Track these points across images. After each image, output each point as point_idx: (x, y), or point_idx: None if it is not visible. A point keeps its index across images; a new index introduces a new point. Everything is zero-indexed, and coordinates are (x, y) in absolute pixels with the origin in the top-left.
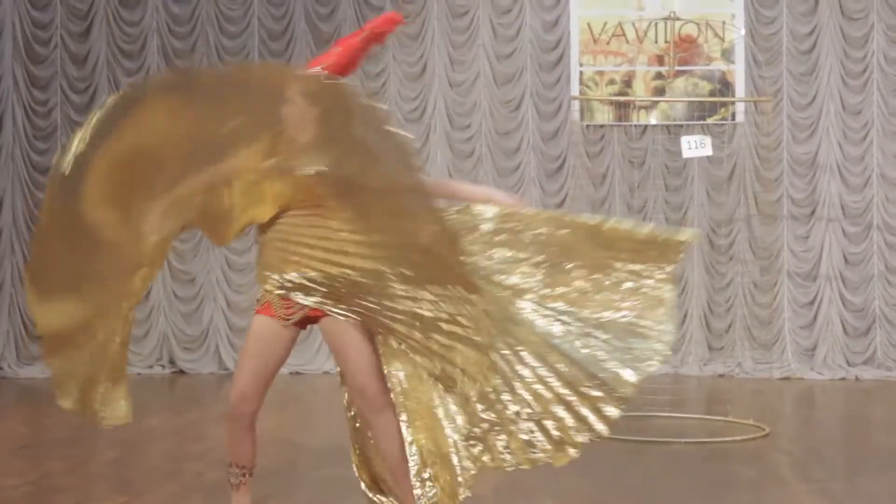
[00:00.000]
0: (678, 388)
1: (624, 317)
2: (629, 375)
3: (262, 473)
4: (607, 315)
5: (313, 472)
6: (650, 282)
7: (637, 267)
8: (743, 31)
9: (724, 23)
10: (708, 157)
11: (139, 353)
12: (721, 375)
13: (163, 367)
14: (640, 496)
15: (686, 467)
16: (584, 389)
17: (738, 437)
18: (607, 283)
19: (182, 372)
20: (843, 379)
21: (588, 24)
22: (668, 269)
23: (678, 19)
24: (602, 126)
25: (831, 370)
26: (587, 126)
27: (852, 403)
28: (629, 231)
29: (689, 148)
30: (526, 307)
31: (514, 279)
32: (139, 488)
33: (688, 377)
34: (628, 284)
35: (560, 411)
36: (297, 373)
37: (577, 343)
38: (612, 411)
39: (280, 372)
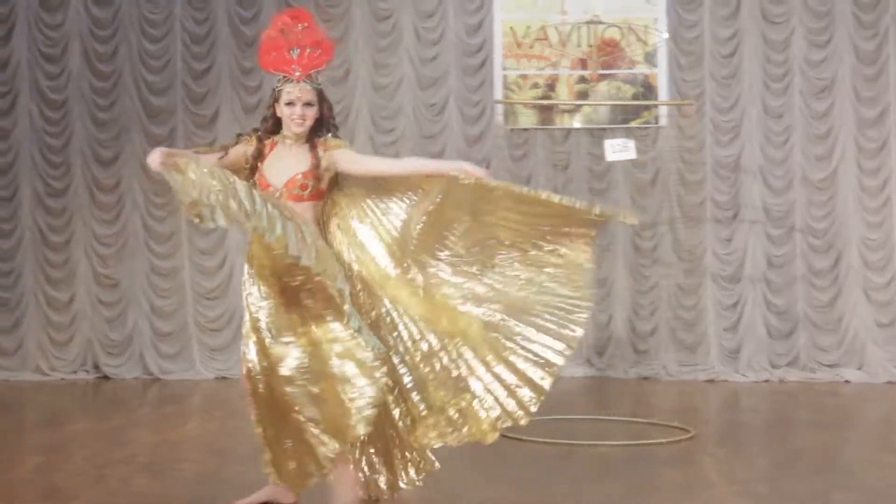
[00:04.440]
0: (604, 391)
1: (544, 285)
2: (559, 347)
3: (187, 481)
4: (529, 289)
5: (238, 477)
6: (568, 248)
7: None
8: (666, 35)
9: (646, 27)
10: (631, 160)
11: (63, 358)
12: (646, 378)
13: (87, 372)
14: (566, 500)
15: (613, 470)
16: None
17: (663, 440)
18: (532, 253)
19: (106, 377)
20: (767, 381)
21: (511, 28)
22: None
23: (601, 23)
24: (526, 130)
25: (755, 372)
26: (511, 130)
27: (776, 405)
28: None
29: (613, 151)
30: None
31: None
32: (64, 494)
33: (613, 380)
34: (549, 249)
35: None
36: (223, 378)
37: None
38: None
39: (206, 377)
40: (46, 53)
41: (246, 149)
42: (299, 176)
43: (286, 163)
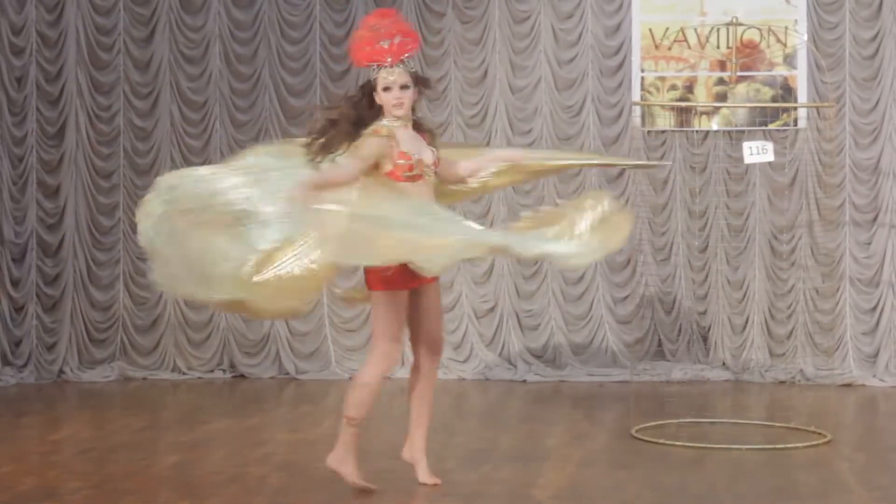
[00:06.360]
0: (739, 395)
1: None
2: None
3: (323, 480)
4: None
5: (374, 477)
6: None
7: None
8: (805, 37)
9: (786, 28)
10: (770, 162)
11: (200, 357)
12: (782, 382)
13: (223, 371)
14: (702, 503)
15: (748, 474)
16: None
17: (800, 444)
18: None
19: (242, 376)
20: None
21: (650, 30)
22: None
23: (740, 25)
24: (663, 131)
25: (893, 377)
26: (648, 131)
27: None
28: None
29: (751, 153)
30: None
31: None
32: (202, 492)
33: (749, 384)
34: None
35: None
36: None
37: None
38: None
39: (341, 377)
40: (187, 55)
41: (382, 140)
42: (433, 160)
43: (419, 145)
